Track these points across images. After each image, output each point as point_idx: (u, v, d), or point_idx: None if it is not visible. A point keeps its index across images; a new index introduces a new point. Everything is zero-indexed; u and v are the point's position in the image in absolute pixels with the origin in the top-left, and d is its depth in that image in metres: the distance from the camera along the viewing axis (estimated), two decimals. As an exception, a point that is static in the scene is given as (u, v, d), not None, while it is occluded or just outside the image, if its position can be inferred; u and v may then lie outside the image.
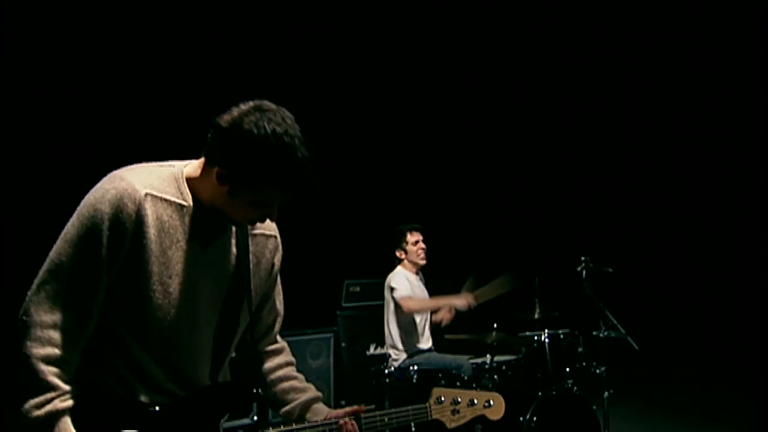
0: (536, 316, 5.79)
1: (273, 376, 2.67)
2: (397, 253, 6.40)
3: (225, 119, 2.22)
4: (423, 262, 6.38)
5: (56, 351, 2.13)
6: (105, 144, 7.23)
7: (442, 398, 2.70)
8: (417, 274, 6.44)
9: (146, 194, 2.19)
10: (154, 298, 2.23)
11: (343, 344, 7.03)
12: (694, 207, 10.26)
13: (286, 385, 2.67)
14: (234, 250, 2.42)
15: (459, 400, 2.69)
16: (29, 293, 2.17)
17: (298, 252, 8.13)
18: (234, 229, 2.44)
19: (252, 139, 2.16)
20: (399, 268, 6.44)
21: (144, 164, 2.33)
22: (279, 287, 2.71)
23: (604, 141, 10.49)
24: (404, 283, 6.28)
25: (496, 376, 5.45)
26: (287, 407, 2.65)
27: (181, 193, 2.28)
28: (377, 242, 7.53)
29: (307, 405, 2.65)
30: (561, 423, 5.32)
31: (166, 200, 2.24)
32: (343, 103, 8.87)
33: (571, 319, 5.89)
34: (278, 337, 2.75)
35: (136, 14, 7.34)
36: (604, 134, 10.48)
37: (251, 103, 2.25)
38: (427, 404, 2.69)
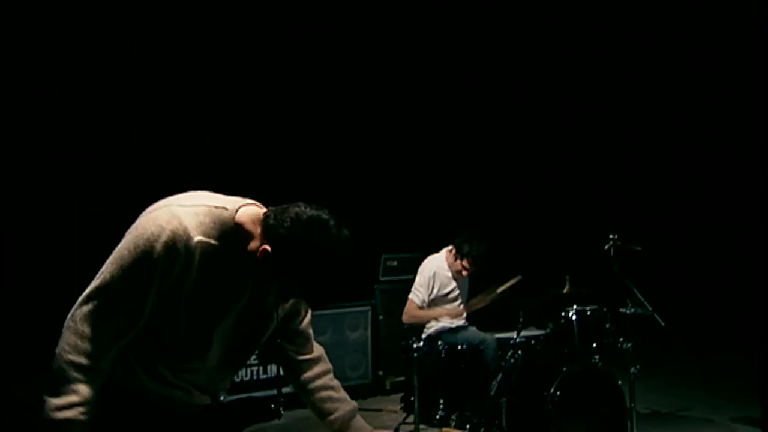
0: (565, 291, 5.88)
1: (312, 386, 2.77)
2: (451, 246, 6.42)
3: (291, 215, 2.35)
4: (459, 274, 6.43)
5: (88, 361, 2.27)
6: (105, 144, 7.24)
7: None
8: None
9: (198, 241, 2.33)
10: (181, 321, 2.40)
11: (381, 317, 7.23)
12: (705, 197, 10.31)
13: (324, 394, 2.78)
14: (264, 287, 2.53)
15: None
16: (79, 299, 2.32)
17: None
18: None
19: (308, 255, 2.32)
20: (444, 253, 6.52)
21: (199, 200, 2.43)
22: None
23: (605, 139, 10.52)
24: (426, 281, 6.36)
25: (519, 352, 5.55)
26: (329, 418, 2.77)
27: (228, 239, 2.38)
28: (414, 218, 7.62)
29: (346, 421, 2.76)
30: (585, 397, 5.39)
31: (213, 246, 2.36)
32: (354, 92, 9.01)
33: (599, 296, 5.95)
34: (315, 345, 2.85)
35: (136, 14, 7.35)
36: (605, 132, 10.51)
37: (320, 214, 2.36)
38: None
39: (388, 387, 7.39)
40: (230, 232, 2.39)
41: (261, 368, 7.15)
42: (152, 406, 2.46)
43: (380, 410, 7.18)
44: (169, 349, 2.43)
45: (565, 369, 5.38)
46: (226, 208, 2.41)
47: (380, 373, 7.71)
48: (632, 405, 5.66)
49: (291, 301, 2.66)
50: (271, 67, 8.44)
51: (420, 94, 9.44)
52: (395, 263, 7.41)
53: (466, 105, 10.06)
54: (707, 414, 6.92)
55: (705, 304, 10.17)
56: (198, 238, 2.33)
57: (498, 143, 10.31)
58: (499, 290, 6.25)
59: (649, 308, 5.79)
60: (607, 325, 5.74)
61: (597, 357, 5.64)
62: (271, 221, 2.36)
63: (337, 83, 8.83)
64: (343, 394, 2.80)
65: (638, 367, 5.71)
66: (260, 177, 7.98)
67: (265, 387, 7.17)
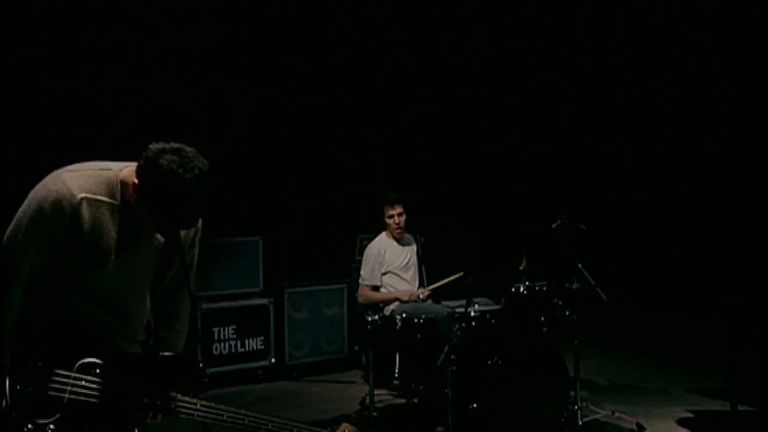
0: (522, 267, 6.10)
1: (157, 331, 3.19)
2: (381, 219, 6.75)
3: (152, 148, 2.71)
4: (398, 235, 6.73)
5: (10, 293, 2.72)
6: (104, 144, 7.43)
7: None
8: (402, 238, 6.78)
9: (82, 198, 2.73)
10: (89, 270, 2.81)
11: (356, 294, 7.32)
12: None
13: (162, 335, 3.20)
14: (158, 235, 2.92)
15: None
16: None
17: (314, 210, 8.51)
18: None
19: (158, 175, 2.66)
20: (382, 234, 6.86)
21: (87, 166, 2.83)
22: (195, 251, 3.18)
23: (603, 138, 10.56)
24: (371, 260, 6.67)
25: (465, 324, 5.73)
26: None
27: (113, 194, 2.81)
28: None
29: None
30: (528, 367, 5.56)
31: (99, 200, 2.77)
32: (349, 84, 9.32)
33: (548, 272, 6.22)
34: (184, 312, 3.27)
35: (136, 14, 7.56)
36: (603, 131, 10.55)
37: (175, 144, 2.72)
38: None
39: (363, 361, 7.57)
40: (116, 188, 2.80)
41: (239, 342, 7.42)
42: (91, 340, 2.81)
43: (353, 383, 7.48)
44: (93, 292, 2.81)
45: (509, 341, 5.53)
46: (110, 169, 2.82)
47: (356, 347, 7.97)
48: (576, 374, 5.80)
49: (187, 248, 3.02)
50: (270, 65, 8.65)
51: (394, 82, 9.68)
52: (370, 243, 7.65)
53: (433, 94, 10.14)
54: (662, 385, 7.23)
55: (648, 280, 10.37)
56: (81, 195, 2.72)
57: (463, 132, 10.49)
58: (443, 282, 6.61)
59: (593, 283, 5.99)
60: (555, 299, 5.93)
61: (545, 329, 5.82)
62: (142, 155, 2.72)
63: (325, 73, 9.10)
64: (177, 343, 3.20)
65: (582, 338, 5.92)
66: (253, 171, 8.21)
67: (244, 360, 7.51)
